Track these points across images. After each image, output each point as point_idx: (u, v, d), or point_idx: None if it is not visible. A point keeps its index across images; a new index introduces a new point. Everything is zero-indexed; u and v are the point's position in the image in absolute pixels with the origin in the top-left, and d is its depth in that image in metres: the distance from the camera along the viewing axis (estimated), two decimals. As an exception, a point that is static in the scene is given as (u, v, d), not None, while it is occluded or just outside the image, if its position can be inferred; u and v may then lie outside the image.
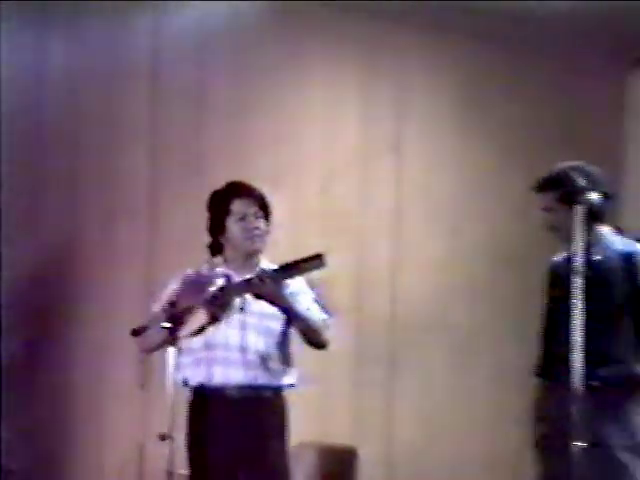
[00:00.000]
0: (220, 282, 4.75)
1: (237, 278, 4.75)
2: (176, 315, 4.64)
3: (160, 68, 6.45)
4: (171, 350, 4.61)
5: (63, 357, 6.15)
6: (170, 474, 4.67)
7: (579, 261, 4.51)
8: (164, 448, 4.68)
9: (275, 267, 4.58)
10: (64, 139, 6.23)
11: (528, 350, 5.13)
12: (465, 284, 7.14)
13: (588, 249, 4.74)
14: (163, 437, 4.59)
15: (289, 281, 4.65)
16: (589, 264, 4.66)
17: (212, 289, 4.70)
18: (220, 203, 4.92)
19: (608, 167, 5.19)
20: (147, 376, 5.52)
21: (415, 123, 7.29)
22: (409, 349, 7.18)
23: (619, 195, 5.78)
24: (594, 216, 4.67)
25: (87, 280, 6.23)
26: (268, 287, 4.56)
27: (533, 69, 7.38)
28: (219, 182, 4.92)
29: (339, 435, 6.73)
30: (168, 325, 4.56)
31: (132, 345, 4.85)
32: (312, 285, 4.94)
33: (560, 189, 4.80)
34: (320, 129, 6.93)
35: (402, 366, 7.19)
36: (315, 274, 4.59)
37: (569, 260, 4.82)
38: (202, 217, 4.89)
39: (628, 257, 5.07)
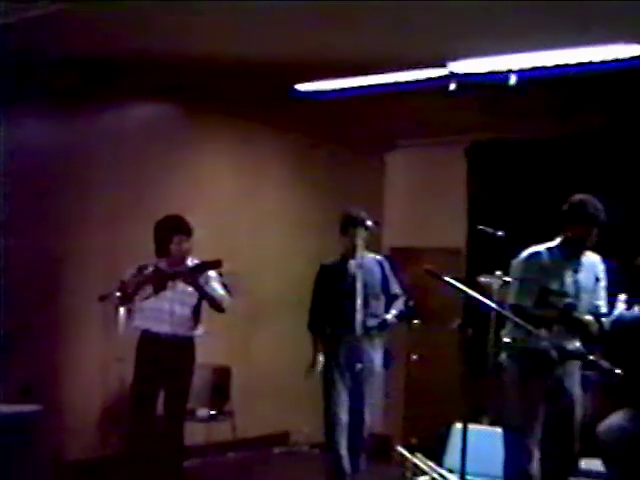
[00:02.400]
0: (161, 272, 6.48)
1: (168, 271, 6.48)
2: (124, 288, 6.52)
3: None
4: (122, 308, 6.71)
5: (55, 316, 7.31)
6: (124, 379, 6.78)
7: (357, 263, 6.30)
8: (119, 366, 6.83)
9: (193, 264, 6.44)
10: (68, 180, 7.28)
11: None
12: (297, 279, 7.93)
13: (361, 257, 6.40)
14: (119, 359, 6.82)
15: (209, 272, 6.41)
16: (360, 265, 6.35)
17: (159, 273, 6.48)
18: (162, 230, 6.56)
19: (375, 210, 7.27)
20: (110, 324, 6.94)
21: (266, 180, 9.08)
22: (266, 314, 8.88)
23: (381, 225, 7.46)
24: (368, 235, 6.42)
25: (73, 269, 7.40)
26: (187, 275, 6.41)
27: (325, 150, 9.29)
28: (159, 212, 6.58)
29: (222, 359, 8.12)
30: (118, 294, 6.55)
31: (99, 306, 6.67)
32: (222, 275, 6.58)
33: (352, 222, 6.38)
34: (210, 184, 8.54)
35: (260, 323, 8.89)
36: (216, 270, 6.44)
37: (340, 263, 6.48)
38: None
39: (380, 263, 6.68)
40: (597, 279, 5.83)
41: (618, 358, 5.30)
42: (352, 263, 6.52)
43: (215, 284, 6.61)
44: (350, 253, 6.54)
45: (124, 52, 6.80)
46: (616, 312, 5.71)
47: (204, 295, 6.56)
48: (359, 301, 6.19)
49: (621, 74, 6.62)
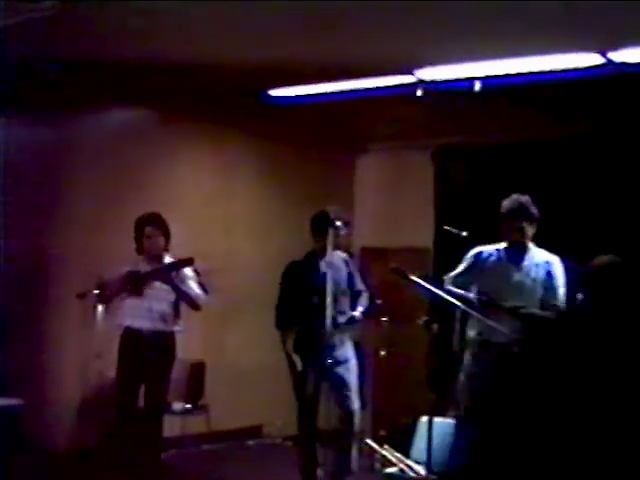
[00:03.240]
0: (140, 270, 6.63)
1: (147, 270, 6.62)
2: (102, 287, 6.72)
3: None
4: (100, 306, 6.96)
5: (40, 315, 7.53)
6: (101, 374, 7.03)
7: (327, 261, 6.33)
8: (99, 362, 7.01)
9: (166, 263, 6.62)
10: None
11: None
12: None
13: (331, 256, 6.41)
14: (97, 355, 7.05)
15: (186, 271, 6.59)
16: (330, 264, 6.38)
17: (133, 274, 6.62)
18: (137, 227, 6.72)
19: (347, 210, 7.33)
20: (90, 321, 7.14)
21: (240, 182, 9.26)
22: (239, 311, 8.97)
23: (352, 225, 7.16)
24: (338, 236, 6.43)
25: (54, 268, 7.60)
26: (161, 274, 6.59)
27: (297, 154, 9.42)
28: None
29: (197, 354, 8.28)
30: (96, 292, 6.78)
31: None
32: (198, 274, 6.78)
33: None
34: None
35: (233, 320, 9.00)
36: (192, 269, 6.65)
37: (310, 261, 6.55)
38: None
39: (345, 261, 6.82)
40: (548, 278, 6.09)
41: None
42: (322, 261, 6.62)
43: (191, 282, 6.75)
44: (320, 251, 6.63)
45: (101, 56, 6.86)
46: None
47: (179, 293, 6.70)
48: (329, 298, 6.24)
49: (582, 82, 6.79)
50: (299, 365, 6.54)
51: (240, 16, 5.87)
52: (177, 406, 7.92)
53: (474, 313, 5.91)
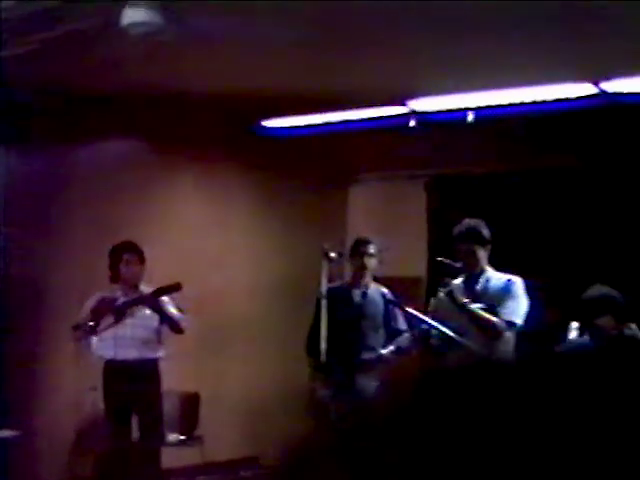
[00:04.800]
0: (120, 299, 6.63)
1: (127, 298, 6.59)
2: (95, 318, 6.57)
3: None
4: (94, 338, 6.72)
5: (31, 342, 7.38)
6: (95, 406, 6.91)
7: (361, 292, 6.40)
8: (92, 394, 6.89)
9: (152, 290, 6.55)
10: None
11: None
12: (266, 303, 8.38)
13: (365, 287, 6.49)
14: (92, 388, 6.83)
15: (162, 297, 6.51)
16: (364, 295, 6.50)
17: (117, 303, 6.59)
18: (113, 254, 6.70)
19: (338, 242, 7.26)
20: (82, 352, 6.92)
21: (232, 213, 9.23)
22: (235, 341, 8.76)
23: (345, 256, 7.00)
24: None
25: (48, 297, 7.58)
26: (149, 300, 6.54)
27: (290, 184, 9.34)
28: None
29: (190, 385, 8.17)
30: (92, 324, 6.57)
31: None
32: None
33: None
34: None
35: (228, 349, 8.76)
36: (176, 294, 6.58)
37: (344, 290, 6.41)
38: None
39: (384, 295, 6.58)
40: (504, 296, 5.96)
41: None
42: (356, 292, 6.57)
43: (170, 307, 6.72)
44: (354, 281, 6.58)
45: (93, 87, 6.91)
46: (570, 337, 5.82)
47: (165, 317, 6.66)
48: (358, 332, 6.22)
49: (575, 112, 6.89)
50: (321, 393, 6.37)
51: (233, 47, 5.93)
52: (171, 437, 7.86)
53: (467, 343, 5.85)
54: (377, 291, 6.63)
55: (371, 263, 6.54)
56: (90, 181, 7.96)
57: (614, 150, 7.95)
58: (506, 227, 8.27)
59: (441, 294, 6.04)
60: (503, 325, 5.83)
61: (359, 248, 6.51)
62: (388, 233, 9.91)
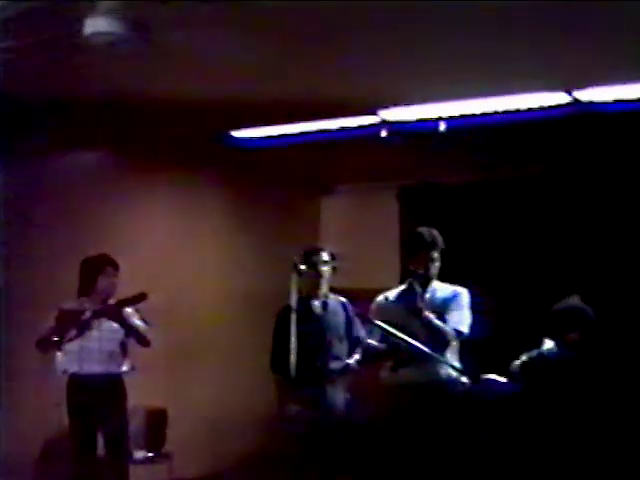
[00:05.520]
0: (87, 312, 6.54)
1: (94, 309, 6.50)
2: (59, 332, 6.49)
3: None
4: (59, 352, 6.60)
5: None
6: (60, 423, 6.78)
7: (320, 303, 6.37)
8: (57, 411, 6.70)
9: (121, 300, 6.46)
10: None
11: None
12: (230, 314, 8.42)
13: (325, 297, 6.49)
14: (57, 404, 6.65)
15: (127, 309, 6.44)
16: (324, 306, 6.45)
17: (84, 315, 6.50)
18: (89, 268, 6.64)
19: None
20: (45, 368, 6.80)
21: (203, 225, 9.24)
22: (204, 357, 8.73)
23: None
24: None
25: (13, 311, 7.15)
26: (113, 312, 6.48)
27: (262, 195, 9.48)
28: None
29: (158, 401, 8.11)
30: (55, 338, 6.50)
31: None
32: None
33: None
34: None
35: (198, 365, 8.74)
36: (145, 307, 6.50)
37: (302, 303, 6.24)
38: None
39: (344, 305, 6.61)
40: (451, 306, 6.04)
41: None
42: (315, 303, 6.51)
43: (135, 319, 6.65)
44: (311, 293, 6.50)
45: (56, 97, 6.81)
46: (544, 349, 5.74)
47: (129, 329, 6.59)
48: (323, 343, 6.19)
49: (548, 121, 6.83)
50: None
51: (201, 55, 5.84)
52: (138, 454, 7.77)
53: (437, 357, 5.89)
54: (336, 301, 6.59)
55: (325, 272, 6.48)
56: (57, 193, 7.83)
57: (586, 159, 7.96)
58: (473, 234, 8.26)
59: (380, 298, 6.18)
60: (453, 334, 5.94)
61: (310, 258, 6.41)
62: (360, 244, 10.00)
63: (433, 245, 6.04)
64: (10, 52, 5.53)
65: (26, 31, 5.28)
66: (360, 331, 6.55)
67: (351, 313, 6.62)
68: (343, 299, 6.68)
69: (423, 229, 6.12)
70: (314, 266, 6.39)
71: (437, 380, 5.94)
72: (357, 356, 6.53)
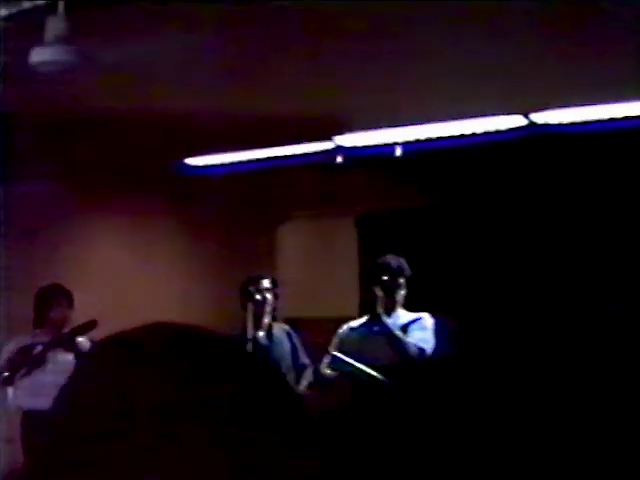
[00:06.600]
0: (38, 345, 6.43)
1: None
2: (11, 367, 6.38)
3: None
4: (9, 388, 6.47)
5: None
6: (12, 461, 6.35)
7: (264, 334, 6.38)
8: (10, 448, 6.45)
9: (71, 329, 6.38)
10: None
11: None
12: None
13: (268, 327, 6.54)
14: (8, 440, 6.49)
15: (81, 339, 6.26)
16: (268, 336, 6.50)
17: (36, 348, 6.41)
18: (42, 299, 6.59)
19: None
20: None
21: (158, 253, 9.22)
22: None
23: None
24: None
25: None
26: (64, 342, 6.37)
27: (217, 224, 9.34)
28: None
29: None
30: (7, 374, 6.36)
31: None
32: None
33: None
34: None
35: None
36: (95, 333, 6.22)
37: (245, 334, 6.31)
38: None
39: (288, 333, 6.66)
40: (414, 328, 6.03)
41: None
42: (260, 334, 6.44)
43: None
44: (255, 321, 6.44)
45: (14, 125, 6.71)
46: None
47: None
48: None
49: (504, 144, 6.87)
50: None
51: (154, 81, 5.81)
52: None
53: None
54: (280, 330, 6.59)
55: (268, 299, 6.42)
56: (10, 223, 7.56)
57: (544, 180, 7.95)
58: (433, 259, 8.25)
59: (344, 328, 6.23)
60: (415, 349, 5.89)
61: (252, 286, 6.41)
62: (318, 271, 9.96)
63: (400, 272, 6.08)
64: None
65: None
66: (305, 358, 6.55)
67: (295, 341, 6.61)
68: (287, 327, 6.68)
69: (390, 256, 6.19)
70: (255, 294, 6.38)
71: None
72: (305, 382, 6.49)
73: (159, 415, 0.87)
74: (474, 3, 4.54)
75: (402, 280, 6.10)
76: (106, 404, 0.90)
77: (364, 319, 6.23)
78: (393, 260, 6.14)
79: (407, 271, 6.14)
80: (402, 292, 6.13)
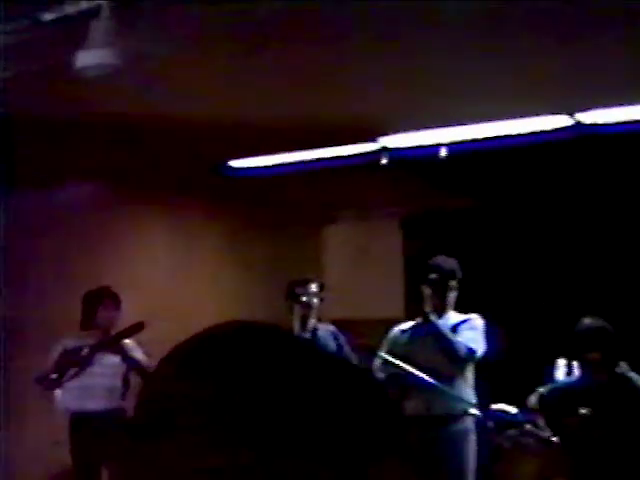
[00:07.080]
0: (85, 347, 6.49)
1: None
2: (59, 369, 6.44)
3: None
4: (58, 390, 6.57)
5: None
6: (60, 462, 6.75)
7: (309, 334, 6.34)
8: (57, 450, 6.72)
9: (118, 332, 6.42)
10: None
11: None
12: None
13: (313, 328, 6.56)
14: (56, 442, 6.68)
15: (128, 342, 6.39)
16: (313, 337, 6.43)
17: (83, 351, 6.47)
18: (90, 301, 6.63)
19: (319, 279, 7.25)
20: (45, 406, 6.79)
21: (201, 256, 9.23)
22: None
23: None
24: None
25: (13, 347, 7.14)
26: (112, 345, 6.43)
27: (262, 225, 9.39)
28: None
29: None
30: (55, 376, 6.43)
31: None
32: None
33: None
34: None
35: None
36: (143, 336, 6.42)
37: None
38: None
39: (335, 335, 6.64)
40: (464, 328, 6.01)
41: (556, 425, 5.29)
42: (305, 335, 6.40)
43: (136, 352, 6.56)
44: (301, 323, 6.45)
45: (49, 128, 6.69)
46: (557, 376, 5.75)
47: (130, 362, 6.50)
48: None
49: (552, 144, 6.80)
50: None
51: (198, 84, 5.81)
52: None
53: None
54: (326, 330, 6.56)
55: (314, 302, 6.42)
56: (56, 225, 7.76)
57: (590, 180, 7.89)
58: (480, 260, 8.22)
59: (395, 330, 6.18)
60: (465, 350, 5.84)
61: (298, 289, 6.45)
62: (364, 272, 9.94)
63: (452, 274, 6.03)
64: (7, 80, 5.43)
65: (24, 60, 5.20)
66: (351, 359, 6.45)
67: (341, 341, 6.58)
68: (332, 327, 6.64)
69: (441, 257, 6.13)
70: (301, 297, 6.41)
71: (443, 413, 5.86)
72: None
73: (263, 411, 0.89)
74: (523, 3, 4.50)
75: (454, 282, 6.06)
76: (204, 401, 0.93)
77: (415, 322, 6.17)
78: (445, 261, 6.10)
79: (459, 273, 6.09)
80: (453, 294, 6.09)
